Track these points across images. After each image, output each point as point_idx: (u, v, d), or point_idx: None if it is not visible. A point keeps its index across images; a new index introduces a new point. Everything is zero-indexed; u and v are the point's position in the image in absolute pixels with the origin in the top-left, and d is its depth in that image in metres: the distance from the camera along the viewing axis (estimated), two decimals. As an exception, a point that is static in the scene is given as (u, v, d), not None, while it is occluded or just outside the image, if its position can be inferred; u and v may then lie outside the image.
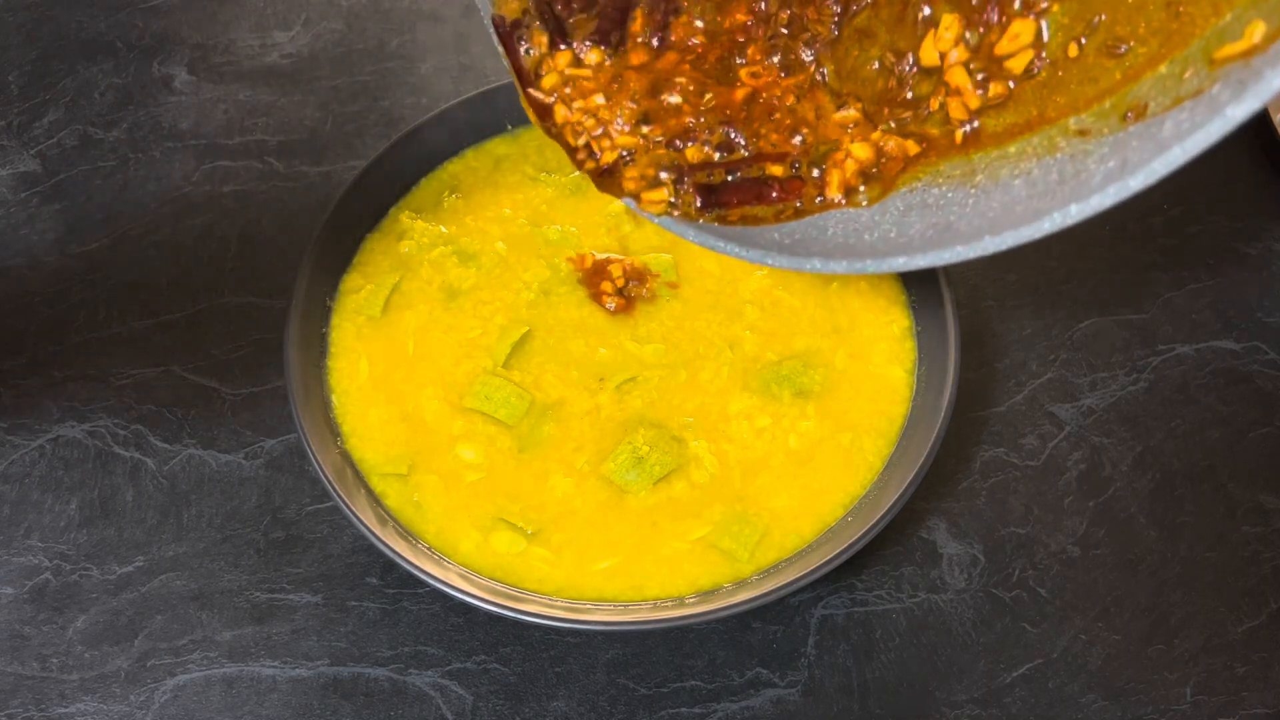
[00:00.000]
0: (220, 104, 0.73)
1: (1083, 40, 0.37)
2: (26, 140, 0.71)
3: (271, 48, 0.76)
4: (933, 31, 0.41)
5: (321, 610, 0.52)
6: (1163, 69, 0.35)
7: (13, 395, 0.59)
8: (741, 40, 0.46)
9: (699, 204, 0.45)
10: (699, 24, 0.46)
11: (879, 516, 0.46)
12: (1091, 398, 0.58)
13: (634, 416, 0.52)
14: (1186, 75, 0.34)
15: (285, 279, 0.54)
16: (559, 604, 0.47)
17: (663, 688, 0.50)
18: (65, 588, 0.53)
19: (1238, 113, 0.30)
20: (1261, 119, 0.67)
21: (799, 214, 0.45)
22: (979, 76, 0.40)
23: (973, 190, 0.40)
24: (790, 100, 0.46)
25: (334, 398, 0.53)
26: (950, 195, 0.41)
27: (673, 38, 0.47)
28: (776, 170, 0.45)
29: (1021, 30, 0.39)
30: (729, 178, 0.46)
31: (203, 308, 0.63)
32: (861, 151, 0.44)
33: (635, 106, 0.47)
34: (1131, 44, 0.36)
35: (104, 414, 0.59)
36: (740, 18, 0.46)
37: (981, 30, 0.40)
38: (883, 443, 0.51)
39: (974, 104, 0.40)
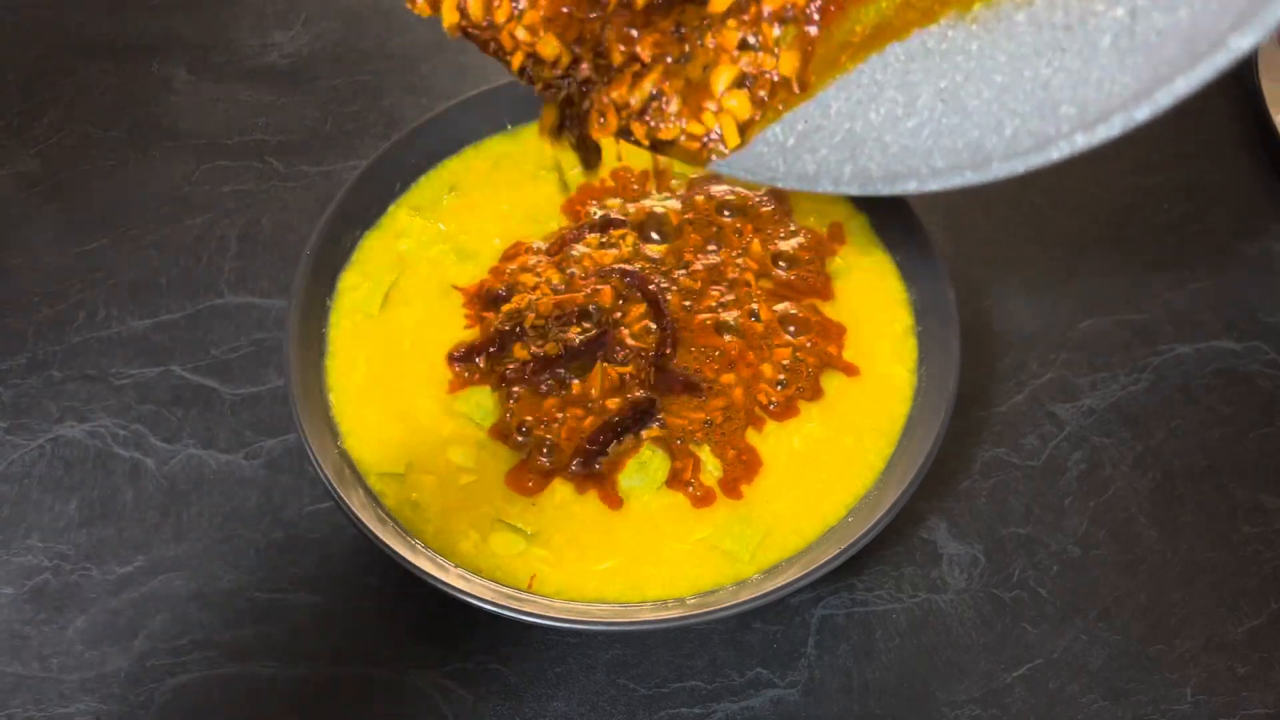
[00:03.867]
0: (220, 104, 0.73)
1: None
2: (26, 140, 0.71)
3: (271, 47, 0.76)
4: None
5: (321, 610, 0.52)
6: None
7: (13, 395, 0.59)
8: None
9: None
10: None
11: (879, 516, 0.46)
12: (1092, 398, 0.58)
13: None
14: None
15: (285, 279, 0.54)
16: (559, 604, 0.46)
17: (663, 688, 0.50)
18: (65, 588, 0.53)
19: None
20: (1261, 119, 0.67)
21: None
22: None
23: (974, 28, 0.37)
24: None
25: (332, 397, 0.53)
26: (951, 35, 0.38)
27: None
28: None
29: None
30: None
31: (203, 307, 0.63)
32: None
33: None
34: None
35: (104, 414, 0.59)
36: None
37: None
38: (884, 442, 0.51)
39: None
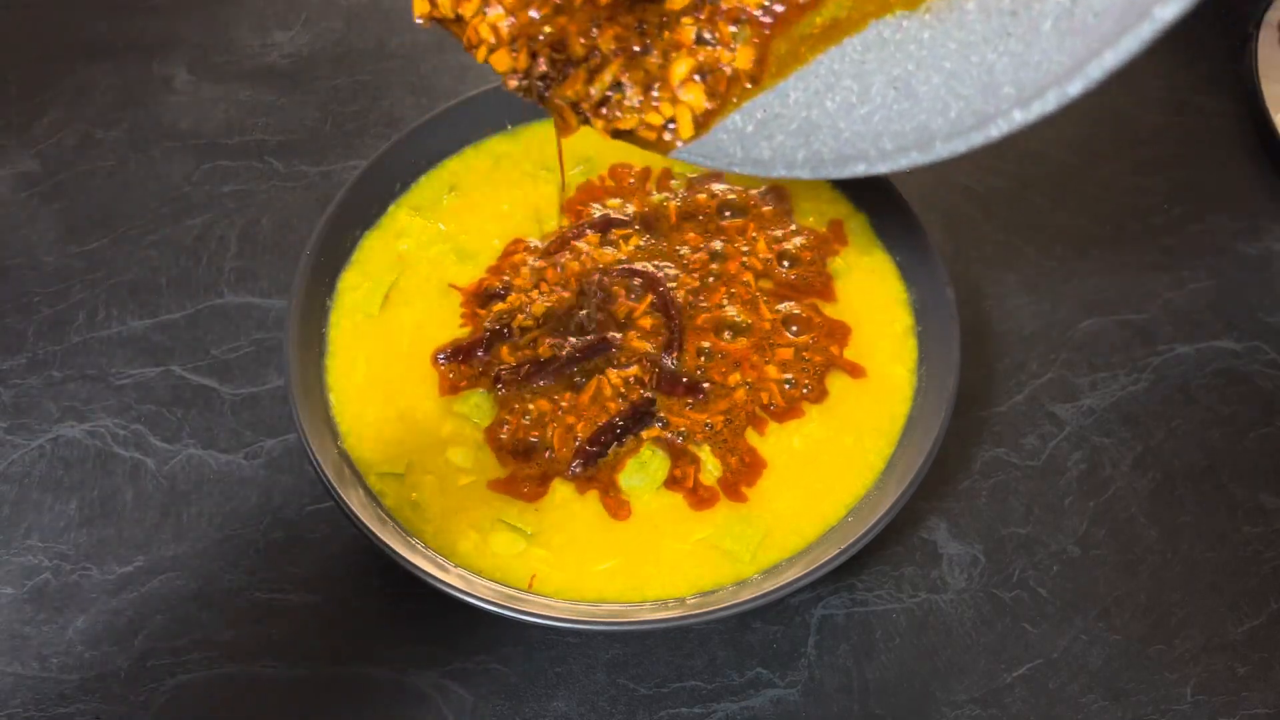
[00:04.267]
0: (220, 104, 0.73)
1: None
2: (26, 140, 0.71)
3: (271, 47, 0.76)
4: None
5: (321, 610, 0.52)
6: None
7: (13, 395, 0.59)
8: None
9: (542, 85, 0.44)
10: None
11: (879, 516, 0.46)
12: (1092, 398, 0.58)
13: (634, 417, 0.51)
14: None
15: (285, 279, 0.54)
16: (559, 604, 0.46)
17: (663, 688, 0.50)
18: (65, 588, 0.53)
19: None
20: (1261, 119, 0.67)
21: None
22: None
23: (927, 18, 0.38)
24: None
25: (332, 396, 0.53)
26: (905, 25, 0.39)
27: None
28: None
29: None
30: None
31: (203, 307, 0.63)
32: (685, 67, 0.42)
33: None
34: None
35: (104, 414, 0.59)
36: None
37: None
38: (884, 443, 0.51)
39: None
